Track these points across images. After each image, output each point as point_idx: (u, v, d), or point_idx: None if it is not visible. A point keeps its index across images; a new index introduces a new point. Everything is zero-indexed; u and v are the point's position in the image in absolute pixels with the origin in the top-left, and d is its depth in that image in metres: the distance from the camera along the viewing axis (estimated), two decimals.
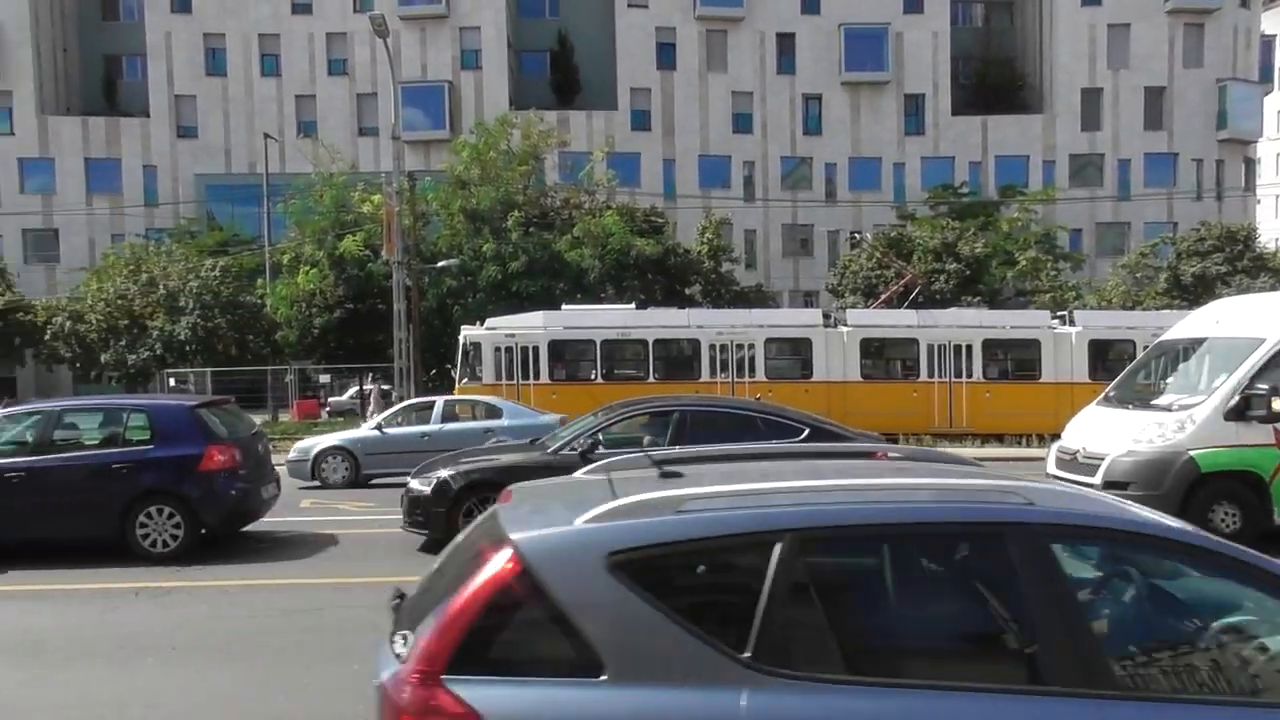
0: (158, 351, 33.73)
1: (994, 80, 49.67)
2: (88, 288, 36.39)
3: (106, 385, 37.75)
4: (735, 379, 24.57)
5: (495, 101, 45.37)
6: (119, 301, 34.50)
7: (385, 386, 35.45)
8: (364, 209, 32.36)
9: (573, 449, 9.99)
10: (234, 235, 42.86)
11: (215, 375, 32.14)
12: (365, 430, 17.86)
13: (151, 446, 10.06)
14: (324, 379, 37.60)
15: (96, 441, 10.44)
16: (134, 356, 34.13)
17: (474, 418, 18.02)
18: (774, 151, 47.81)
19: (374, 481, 16.35)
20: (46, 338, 36.58)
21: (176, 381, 32.53)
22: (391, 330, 26.11)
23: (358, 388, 36.08)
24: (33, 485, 9.82)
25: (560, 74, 49.37)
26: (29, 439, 10.25)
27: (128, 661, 6.57)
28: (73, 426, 10.69)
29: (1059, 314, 26.77)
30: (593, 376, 24.65)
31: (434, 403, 18.27)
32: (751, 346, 24.81)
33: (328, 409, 35.55)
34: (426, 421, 17.31)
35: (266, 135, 42.78)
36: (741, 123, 47.87)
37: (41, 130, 47.01)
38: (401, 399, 23.40)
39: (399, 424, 17.52)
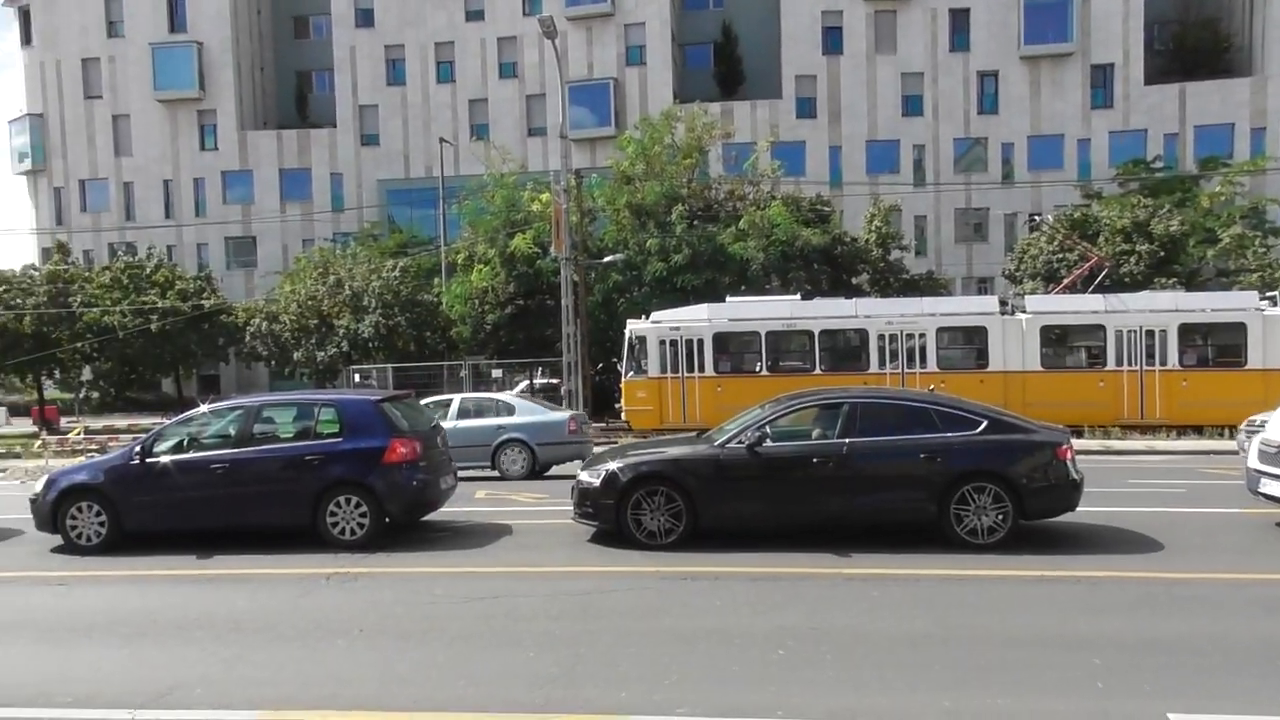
0: (344, 348, 35.71)
1: (1193, 44, 46.22)
2: (281, 290, 38.88)
3: (298, 381, 40.33)
4: (905, 370, 23.84)
5: (660, 96, 45.67)
6: (309, 302, 36.70)
7: (541, 381, 36.32)
8: (533, 207, 33.18)
9: (740, 442, 9.88)
10: (412, 237, 44.85)
11: (396, 370, 33.74)
12: None
13: (340, 439, 10.60)
14: (496, 373, 38.82)
15: (291, 435, 11.07)
16: (322, 353, 36.26)
17: (488, 415, 18.14)
18: (946, 133, 46.06)
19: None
20: (246, 338, 39.41)
21: (360, 377, 34.29)
22: (560, 325, 26.65)
23: (527, 382, 37.13)
24: (235, 475, 10.51)
25: (724, 65, 49.20)
26: (232, 432, 10.96)
27: (319, 643, 6.91)
28: (270, 420, 11.36)
29: (1268, 294, 24.59)
30: (757, 369, 24.45)
31: (451, 400, 18.67)
32: (922, 336, 23.99)
33: None
34: (444, 419, 17.18)
35: (442, 139, 44.55)
36: (911, 105, 46.35)
37: (241, 144, 50.61)
38: (570, 393, 23.90)
39: None
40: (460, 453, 15.00)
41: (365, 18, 49.88)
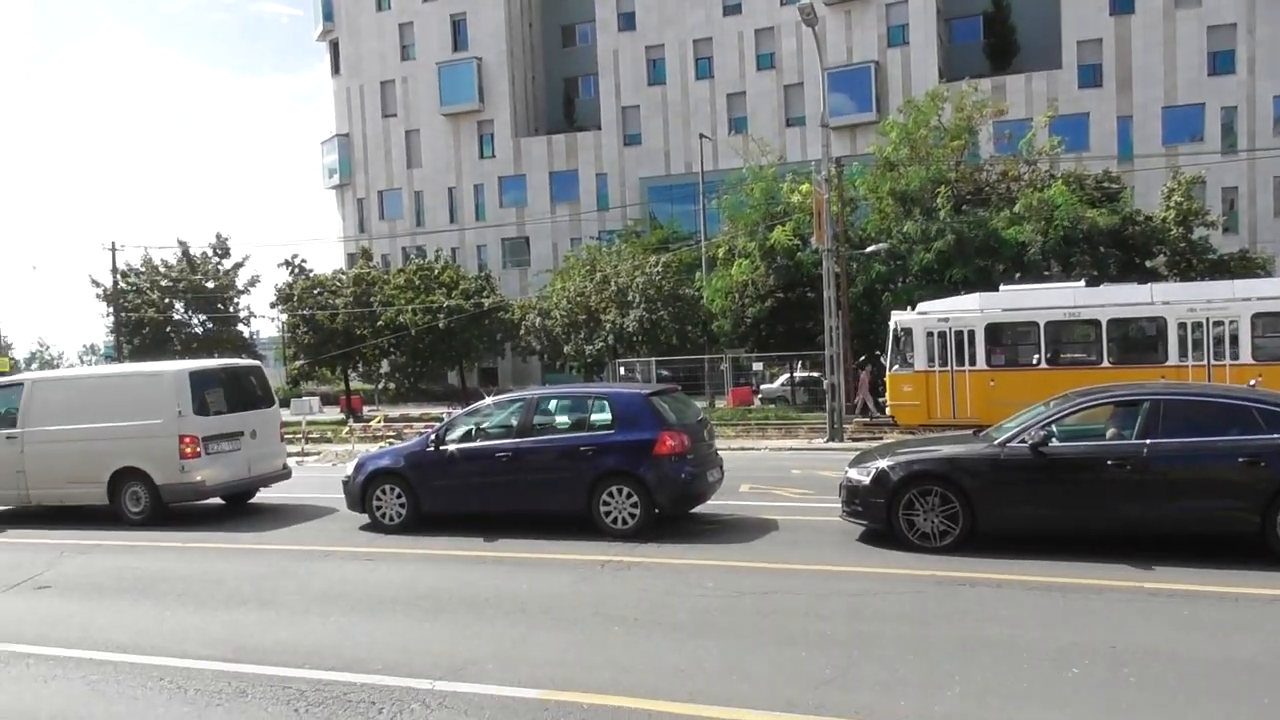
0: (610, 342, 37.03)
1: None
2: (553, 287, 40.87)
3: (568, 374, 42.27)
4: (1212, 362, 21.48)
5: (924, 76, 43.91)
6: (578, 298, 38.35)
7: (801, 375, 35.88)
8: (792, 199, 32.87)
9: (1022, 441, 9.26)
10: (673, 232, 45.77)
11: (658, 363, 34.55)
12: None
13: (613, 431, 10.97)
14: (757, 366, 38.87)
15: (567, 426, 11.60)
16: (590, 347, 37.80)
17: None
18: (1264, 92, 40.97)
19: None
20: (521, 332, 41.82)
21: (625, 370, 35.40)
22: (821, 317, 26.25)
23: (788, 374, 36.90)
24: (517, 464, 11.15)
25: (995, 37, 46.57)
26: (514, 423, 11.65)
27: (597, 629, 7.17)
28: (548, 412, 11.96)
29: None
30: (1035, 361, 22.90)
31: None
32: (1234, 323, 21.51)
33: (760, 395, 36.73)
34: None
35: (701, 135, 45.17)
36: (1220, 62, 41.65)
37: (516, 150, 53.74)
38: (833, 387, 23.47)
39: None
40: None
41: (627, 21, 51.45)
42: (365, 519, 11.93)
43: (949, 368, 23.51)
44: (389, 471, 11.82)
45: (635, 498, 10.64)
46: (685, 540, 10.39)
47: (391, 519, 11.67)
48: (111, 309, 45.08)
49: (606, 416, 11.18)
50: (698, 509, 11.67)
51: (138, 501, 13.19)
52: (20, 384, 14.70)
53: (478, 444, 11.57)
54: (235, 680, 6.25)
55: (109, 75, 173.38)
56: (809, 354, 32.35)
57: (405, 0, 55.13)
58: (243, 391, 14.24)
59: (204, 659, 6.74)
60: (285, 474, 14.82)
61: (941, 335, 23.63)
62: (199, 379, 13.54)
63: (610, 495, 10.72)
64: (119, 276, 44.94)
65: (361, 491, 11.90)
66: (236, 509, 14.19)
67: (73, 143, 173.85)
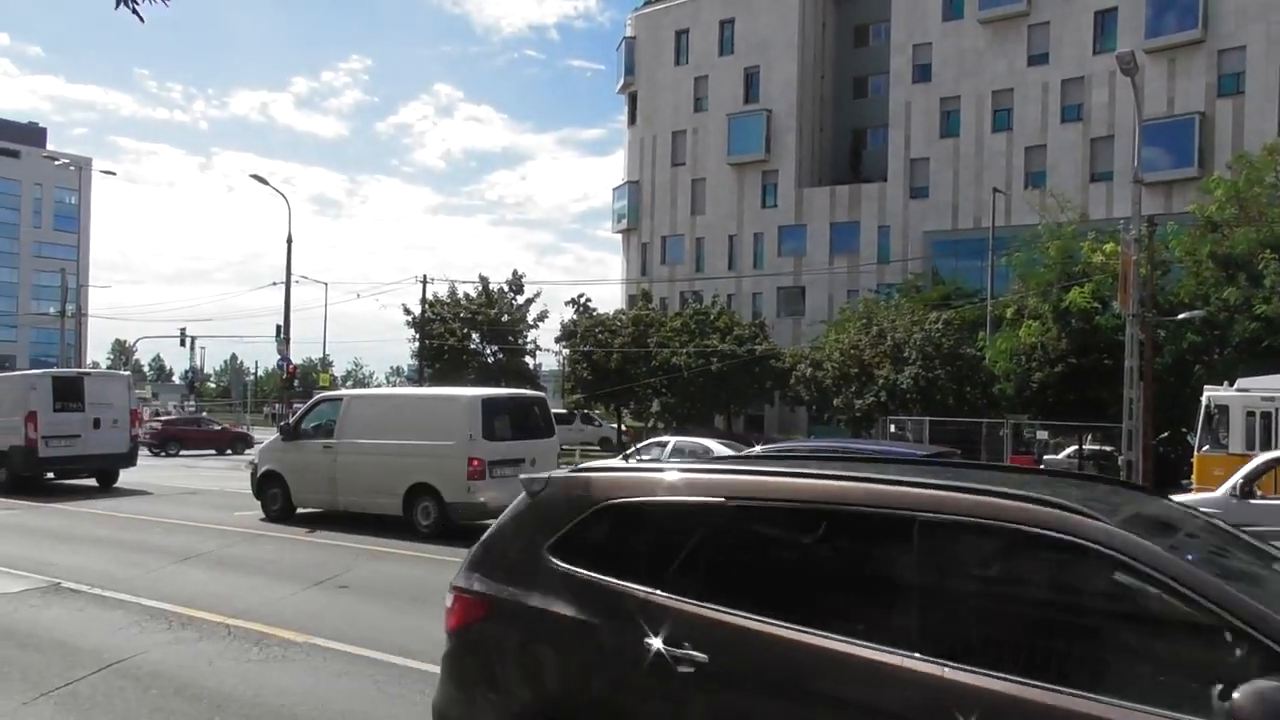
0: (881, 398, 36.00)
1: None
2: (826, 339, 40.41)
3: (835, 427, 41.50)
4: None
5: (1259, 129, 39.63)
6: (851, 351, 37.65)
7: (1091, 448, 33.02)
8: (1094, 259, 30.66)
9: None
10: (956, 289, 44.01)
11: (932, 424, 33.14)
12: (615, 462, 19.73)
13: None
14: (1041, 435, 36.37)
15: None
16: (860, 402, 36.92)
17: (689, 458, 18.38)
18: None
19: None
20: (791, 382, 41.60)
21: (896, 428, 34.25)
22: (1117, 387, 24.16)
23: (1075, 447, 34.24)
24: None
25: None
26: None
27: None
28: None
29: None
30: None
31: (667, 442, 20.95)
32: None
33: (1042, 466, 34.28)
34: (661, 458, 18.41)
35: (995, 189, 43.28)
36: None
37: (798, 201, 53.95)
38: (1130, 464, 21.51)
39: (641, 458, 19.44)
40: None
41: (922, 73, 50.43)
42: None
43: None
44: None
45: None
46: None
47: None
48: (418, 335, 49.44)
49: None
50: None
51: (428, 515, 14.18)
52: (340, 399, 16.45)
53: None
54: None
55: (432, 126, 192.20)
56: (1102, 426, 29.86)
57: (703, 55, 57.11)
58: (527, 420, 15.11)
59: None
60: None
61: (1265, 416, 21.03)
62: (490, 406, 14.46)
63: None
64: (426, 306, 49.22)
65: None
66: None
67: (401, 186, 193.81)
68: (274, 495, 15.93)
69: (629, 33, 61.04)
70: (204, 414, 56.92)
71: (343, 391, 18.77)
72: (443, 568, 11.59)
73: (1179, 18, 43.10)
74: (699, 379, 43.11)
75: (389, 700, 6.48)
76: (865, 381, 36.94)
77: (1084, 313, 30.19)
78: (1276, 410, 20.90)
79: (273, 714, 6.12)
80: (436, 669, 7.05)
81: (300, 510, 16.02)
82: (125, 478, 21.99)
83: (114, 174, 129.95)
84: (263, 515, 15.95)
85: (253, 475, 16.64)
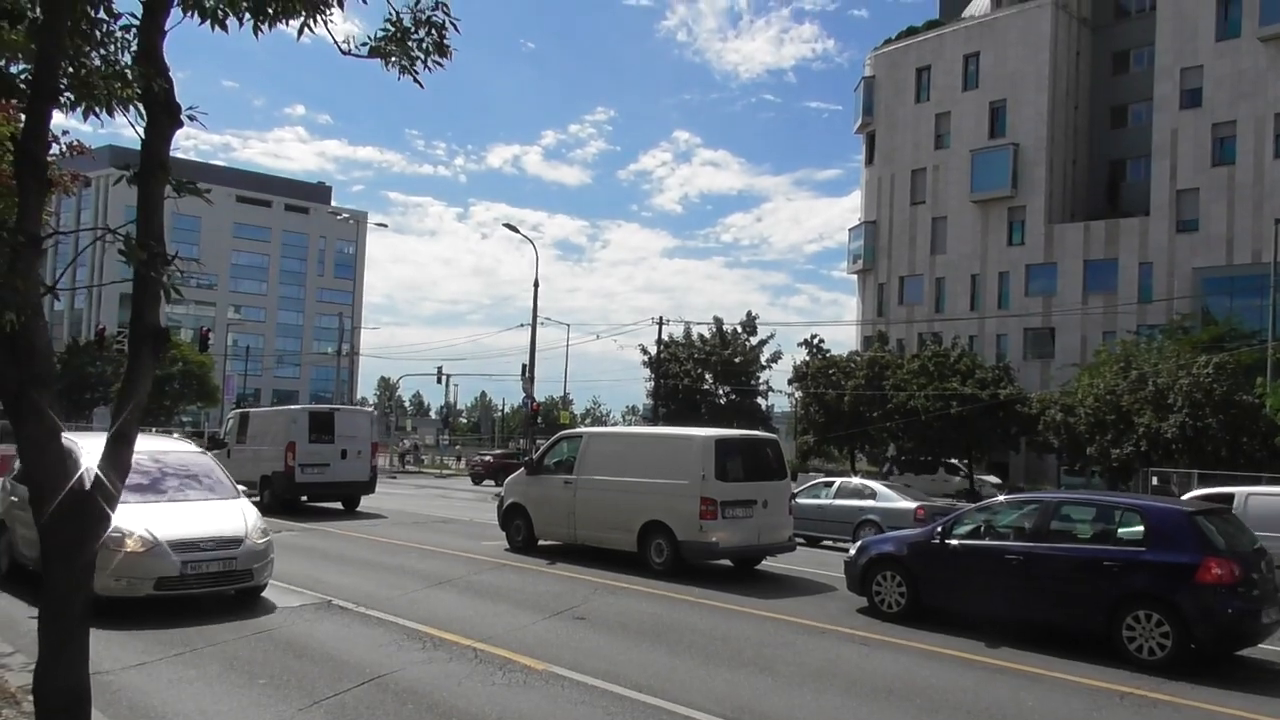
0: (1142, 448, 33.29)
1: None
2: (1079, 382, 37.87)
3: (1088, 477, 38.67)
4: None
5: None
6: (1107, 397, 35.10)
7: None
8: None
9: None
10: (1231, 329, 40.13)
11: (1201, 477, 30.22)
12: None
13: (1144, 548, 9.82)
14: None
15: (1088, 536, 10.61)
16: (1117, 451, 34.28)
17: (854, 497, 20.94)
18: None
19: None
20: (1039, 428, 39.23)
21: (1159, 480, 31.52)
22: None
23: None
24: (1027, 569, 10.39)
25: None
26: (1027, 525, 10.95)
27: None
28: (1067, 518, 11.04)
29: None
30: None
31: (833, 482, 22.47)
32: None
33: None
34: (824, 496, 21.44)
35: (1277, 221, 39.15)
36: None
37: (1048, 237, 51.10)
38: None
39: (807, 496, 21.24)
40: (832, 525, 20.57)
41: (1192, 98, 46.64)
42: (864, 602, 11.93)
43: None
44: (892, 558, 11.72)
45: (1167, 627, 9.36)
46: (1230, 686, 8.85)
47: (890, 606, 11.53)
48: (653, 375, 50.65)
49: (1138, 531, 10.04)
50: (1248, 652, 9.95)
51: (660, 553, 14.31)
52: (580, 436, 17.12)
53: (985, 542, 11.04)
54: None
55: (670, 172, 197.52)
56: None
57: (945, 91, 55.56)
58: (759, 462, 15.03)
59: (706, 712, 7.21)
60: (790, 546, 15.38)
61: None
62: (723, 447, 14.51)
63: (1136, 620, 9.54)
64: (662, 347, 50.41)
65: (863, 574, 11.94)
66: (743, 572, 15.00)
67: (639, 231, 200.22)
68: (518, 527, 16.62)
69: (868, 72, 60.39)
70: (518, 448, 61.49)
71: (582, 429, 19.53)
72: (675, 605, 11.81)
73: None
74: (937, 422, 41.50)
75: None
76: (1123, 429, 34.32)
77: None
78: None
79: None
80: (663, 703, 7.26)
81: (541, 542, 16.57)
82: (383, 504, 23.80)
83: (386, 226, 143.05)
84: (507, 545, 16.69)
85: (499, 507, 17.43)
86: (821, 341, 50.13)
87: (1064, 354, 47.98)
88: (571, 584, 13.13)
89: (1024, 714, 7.63)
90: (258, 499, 21.52)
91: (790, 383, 48.99)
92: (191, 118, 4.97)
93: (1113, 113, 52.72)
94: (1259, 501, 15.77)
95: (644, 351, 51.35)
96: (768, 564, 15.64)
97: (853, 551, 12.46)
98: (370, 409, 27.47)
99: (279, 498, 22.07)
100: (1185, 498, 16.24)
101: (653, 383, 50.81)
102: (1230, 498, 15.75)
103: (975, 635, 10.37)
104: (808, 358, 49.09)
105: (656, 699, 7.47)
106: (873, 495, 20.75)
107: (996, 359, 47.94)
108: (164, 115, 4.86)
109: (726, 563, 15.11)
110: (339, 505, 23.61)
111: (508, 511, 16.94)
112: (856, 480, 23.44)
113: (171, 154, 4.95)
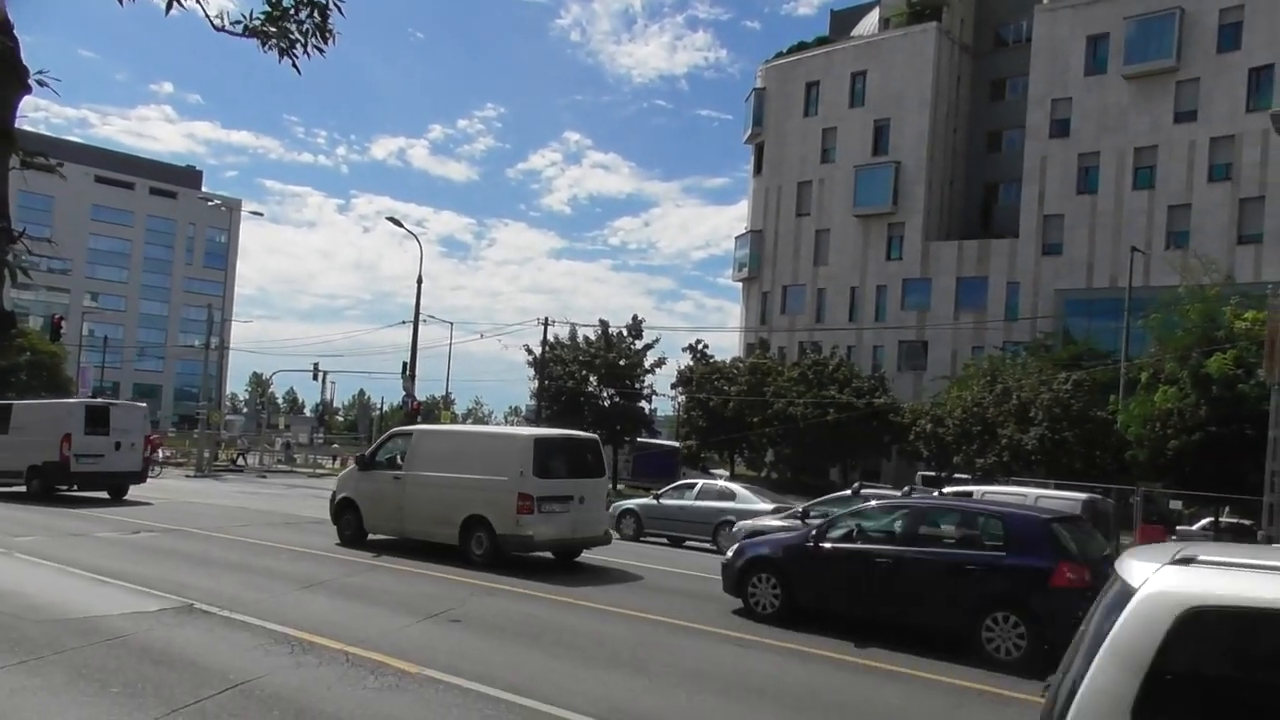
0: (1004, 458, 34.88)
1: None
2: (948, 394, 39.46)
3: (954, 485, 40.25)
4: None
5: None
6: (974, 409, 36.69)
7: (1228, 520, 31.01)
8: (1237, 324, 29.17)
9: None
10: (1088, 349, 42.44)
11: (1057, 487, 31.83)
12: (647, 500, 23.05)
13: (1004, 554, 10.30)
14: (1174, 505, 34.53)
15: (954, 541, 11.06)
16: (981, 460, 35.84)
17: (714, 499, 21.61)
18: None
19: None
20: (910, 437, 40.72)
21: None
22: (1260, 459, 22.79)
23: (1211, 519, 32.36)
24: (895, 572, 10.79)
25: None
26: (896, 529, 11.34)
27: None
28: (934, 524, 11.49)
29: None
30: None
31: (695, 484, 23.18)
32: None
33: (1175, 538, 32.47)
34: (686, 498, 22.01)
35: (1133, 249, 41.66)
36: None
37: (924, 254, 53.06)
38: (1270, 539, 20.17)
39: (670, 497, 22.25)
40: (695, 526, 21.15)
41: (1061, 128, 49.16)
42: (739, 603, 12.13)
43: None
44: (767, 560, 11.96)
45: (1023, 629, 9.83)
46: None
47: (765, 607, 11.75)
48: (537, 376, 50.36)
49: (999, 537, 10.53)
50: None
51: (480, 545, 14.93)
52: (410, 433, 17.45)
53: (857, 546, 11.38)
54: None
55: (560, 173, 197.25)
56: (1241, 498, 28.16)
57: (833, 106, 57.07)
58: (579, 461, 15.78)
59: (581, 713, 7.18)
60: (605, 540, 16.17)
61: None
62: (543, 446, 15.20)
63: (995, 621, 10.00)
64: (547, 348, 50.18)
65: (739, 576, 12.14)
66: (628, 581, 15.10)
67: (527, 230, 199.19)
68: (348, 521, 16.92)
69: (759, 84, 61.55)
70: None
71: (414, 427, 19.86)
72: (553, 607, 11.77)
73: None
74: (815, 430, 42.58)
75: None
76: (988, 440, 35.91)
77: (1226, 380, 28.68)
78: None
79: None
80: (540, 706, 7.22)
81: (371, 536, 16.80)
82: (251, 503, 23.02)
83: (261, 214, 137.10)
84: (337, 540, 16.87)
85: (331, 501, 17.64)
86: (706, 347, 50.84)
87: (936, 366, 49.88)
88: (448, 586, 12.94)
89: (890, 712, 7.88)
90: (24, 488, 23.25)
91: (674, 387, 49.53)
92: (42, 83, 4.60)
93: (989, 137, 55.13)
94: (993, 498, 16.99)
95: (529, 352, 50.95)
96: (642, 563, 15.79)
97: (730, 554, 12.65)
98: (143, 405, 28.17)
99: (49, 486, 23.07)
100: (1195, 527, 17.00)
101: (537, 384, 50.52)
102: (970, 494, 17.74)
103: (846, 636, 10.67)
104: (692, 363, 49.67)
105: (532, 700, 7.42)
106: (732, 496, 21.58)
107: (873, 369, 49.53)
108: (8, 77, 4.45)
109: (548, 555, 15.79)
110: (152, 502, 23.77)
111: (339, 506, 17.22)
112: (720, 483, 24.19)
113: (18, 124, 4.59)
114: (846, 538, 11.56)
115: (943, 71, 53.92)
